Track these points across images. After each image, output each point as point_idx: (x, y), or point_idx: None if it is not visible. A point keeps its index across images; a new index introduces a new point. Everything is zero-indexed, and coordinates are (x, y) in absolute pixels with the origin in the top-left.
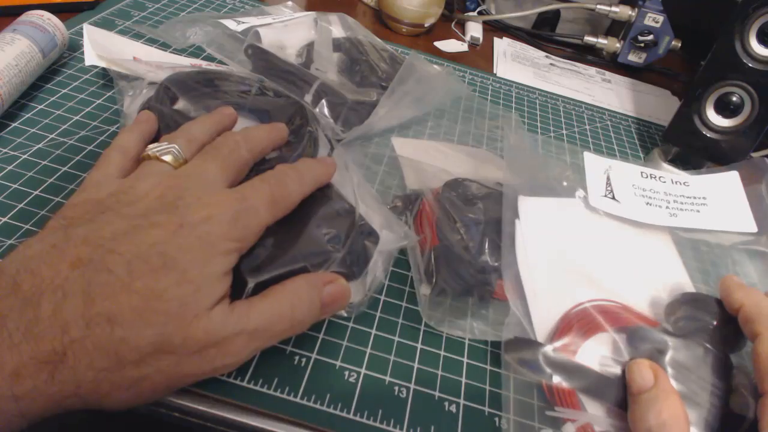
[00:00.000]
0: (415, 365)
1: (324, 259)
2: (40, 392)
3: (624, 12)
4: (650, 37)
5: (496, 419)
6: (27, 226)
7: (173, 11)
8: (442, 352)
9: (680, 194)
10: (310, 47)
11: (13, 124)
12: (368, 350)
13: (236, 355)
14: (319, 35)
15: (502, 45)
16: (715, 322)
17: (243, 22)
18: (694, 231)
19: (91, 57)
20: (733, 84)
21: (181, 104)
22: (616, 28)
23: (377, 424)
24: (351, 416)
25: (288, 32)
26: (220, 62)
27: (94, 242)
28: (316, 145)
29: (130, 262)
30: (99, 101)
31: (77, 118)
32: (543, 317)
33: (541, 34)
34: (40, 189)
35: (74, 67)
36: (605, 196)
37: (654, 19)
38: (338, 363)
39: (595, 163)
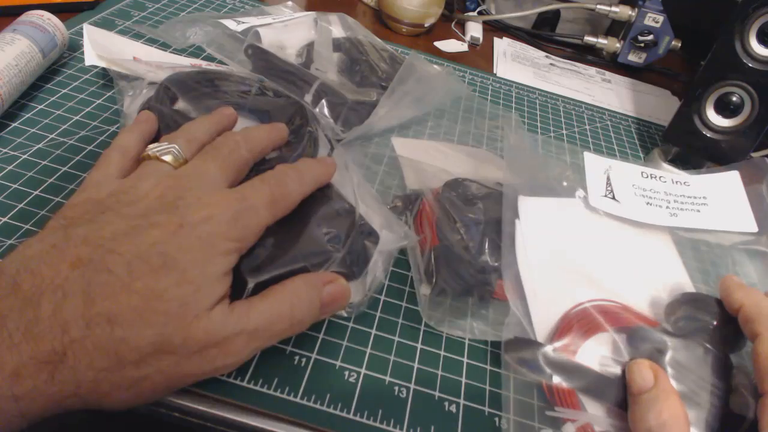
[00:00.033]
0: (415, 365)
1: (324, 259)
2: (40, 392)
3: (624, 12)
4: (650, 37)
5: (496, 419)
6: (27, 226)
7: (173, 11)
8: (442, 352)
9: (681, 194)
10: (310, 47)
11: (13, 124)
12: (368, 350)
13: (236, 355)
14: (319, 35)
15: (502, 45)
16: (715, 322)
17: (243, 22)
18: (695, 231)
19: (91, 57)
20: (733, 84)
21: (181, 104)
22: (616, 28)
23: (377, 424)
24: (351, 416)
25: (288, 32)
26: (220, 62)
27: (94, 242)
28: (316, 145)
29: (130, 262)
30: (99, 101)
31: (77, 118)
32: (543, 317)
33: (541, 34)
34: (40, 189)
35: (74, 67)
36: (605, 196)
37: (654, 19)
38: (338, 363)
39: (595, 163)
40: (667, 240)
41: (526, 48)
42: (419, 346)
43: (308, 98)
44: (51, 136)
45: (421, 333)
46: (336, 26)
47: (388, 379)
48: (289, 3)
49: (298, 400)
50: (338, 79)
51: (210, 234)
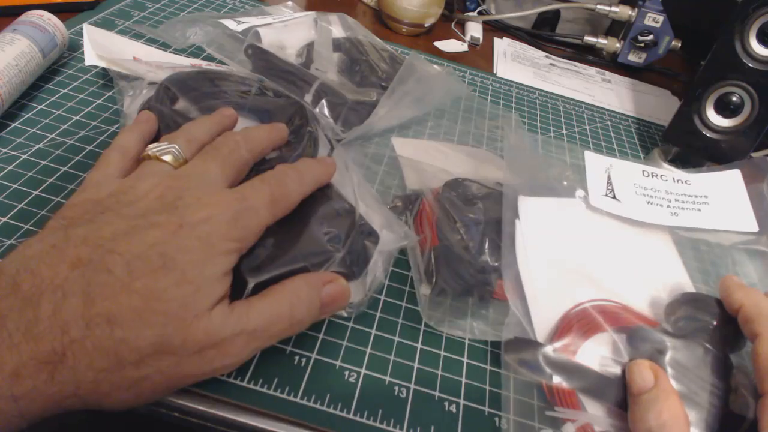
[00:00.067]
0: (415, 365)
1: (324, 258)
2: (39, 392)
3: (624, 12)
4: (650, 37)
5: (496, 419)
6: (27, 226)
7: (173, 11)
8: (442, 352)
9: (681, 193)
10: (310, 47)
11: (13, 124)
12: (368, 350)
13: (236, 355)
14: (319, 35)
15: (502, 45)
16: (715, 322)
17: (243, 22)
18: (695, 230)
19: (91, 57)
20: (733, 84)
21: (181, 104)
22: (616, 28)
23: (377, 424)
24: (351, 416)
25: (288, 32)
26: (220, 62)
27: (93, 242)
28: (316, 145)
29: (129, 263)
30: (99, 101)
31: (77, 118)
32: (543, 317)
33: (541, 34)
34: (40, 189)
35: (74, 67)
36: (606, 195)
37: (654, 19)
38: (338, 363)
39: (596, 162)
40: (667, 240)
41: (526, 48)
42: (419, 346)
43: (308, 98)
44: (51, 136)
45: (421, 333)
46: (336, 26)
47: (388, 379)
48: (289, 3)
49: (298, 400)
50: (338, 79)
51: (210, 234)
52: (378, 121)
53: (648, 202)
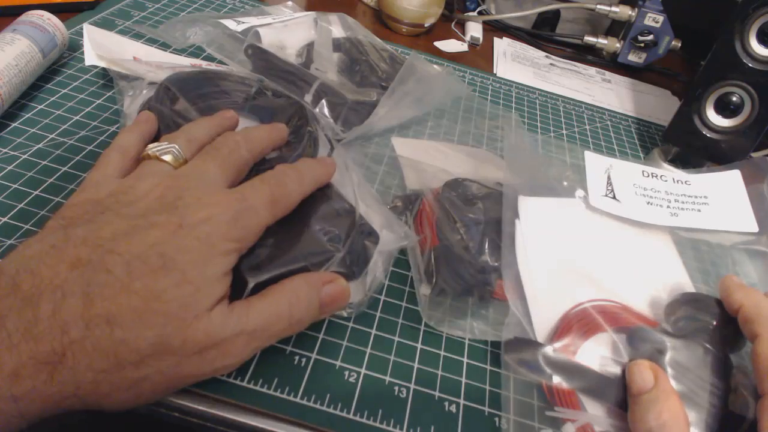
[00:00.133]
0: (415, 365)
1: (324, 258)
2: (39, 393)
3: (624, 12)
4: (650, 37)
5: (496, 419)
6: (27, 226)
7: (173, 11)
8: (442, 352)
9: (681, 193)
10: (310, 47)
11: (13, 124)
12: (368, 350)
13: (236, 355)
14: (319, 35)
15: (502, 45)
16: (715, 323)
17: (243, 22)
18: (695, 231)
19: (91, 57)
20: (733, 84)
21: (181, 104)
22: (616, 28)
23: (377, 424)
24: (351, 416)
25: (288, 32)
26: (220, 62)
27: (93, 242)
28: (316, 145)
29: (129, 263)
30: (99, 101)
31: (77, 118)
32: (543, 317)
33: (541, 34)
34: (40, 189)
35: (74, 67)
36: (606, 195)
37: (654, 19)
38: (338, 363)
39: (596, 162)
40: (667, 240)
41: (526, 48)
42: (419, 346)
43: (308, 98)
44: (51, 136)
45: (421, 333)
46: (336, 26)
47: (388, 379)
48: (289, 3)
49: (298, 400)
50: (338, 79)
51: (209, 234)
52: (378, 121)
53: (648, 203)
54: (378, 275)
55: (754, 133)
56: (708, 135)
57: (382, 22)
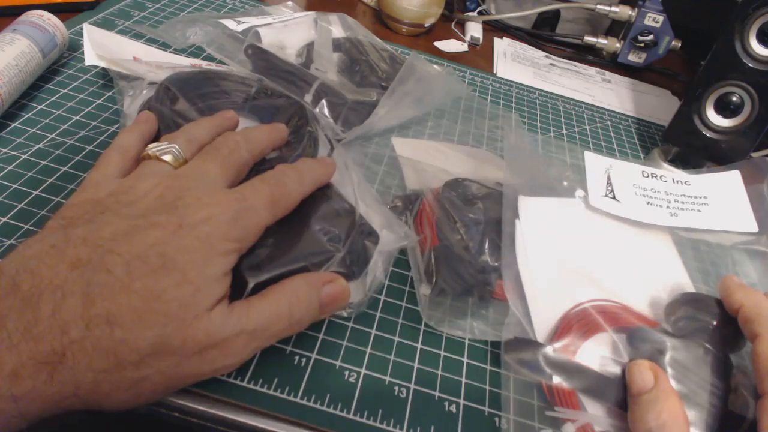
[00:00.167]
0: (415, 365)
1: (324, 258)
2: (39, 393)
3: (624, 12)
4: (650, 37)
5: (496, 419)
6: (27, 226)
7: (173, 11)
8: (442, 352)
9: (681, 193)
10: (310, 47)
11: (13, 124)
12: (368, 350)
13: (236, 355)
14: (319, 35)
15: (502, 45)
16: (715, 322)
17: (243, 22)
18: (695, 231)
19: (91, 57)
20: (733, 84)
21: (181, 104)
22: (616, 28)
23: (377, 424)
24: (351, 416)
25: (288, 32)
26: (220, 62)
27: (93, 242)
28: (316, 145)
29: (129, 263)
30: (99, 101)
31: (77, 118)
32: (543, 317)
33: (541, 34)
34: (40, 189)
35: (74, 67)
36: (606, 195)
37: (654, 19)
38: (338, 363)
39: (595, 163)
40: (667, 240)
41: (526, 48)
42: (419, 346)
43: (308, 98)
44: (51, 136)
45: (421, 333)
46: (336, 26)
47: (388, 379)
48: (289, 3)
49: (298, 400)
50: (338, 79)
51: (209, 234)
52: (378, 121)
53: (648, 203)
54: (378, 275)
55: (754, 133)
56: (708, 135)
57: (382, 22)
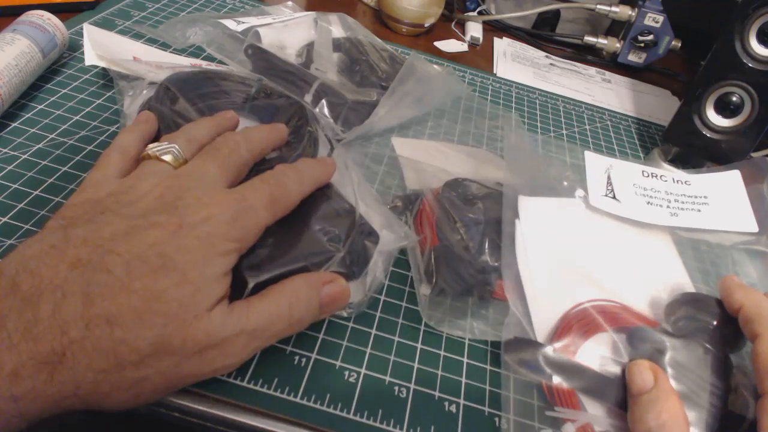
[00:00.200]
0: (415, 365)
1: (324, 258)
2: (39, 393)
3: (624, 12)
4: (650, 37)
5: (496, 419)
6: (27, 226)
7: (173, 11)
8: (442, 352)
9: (681, 193)
10: (310, 47)
11: (13, 124)
12: (368, 350)
13: (236, 355)
14: (319, 35)
15: (502, 45)
16: (715, 322)
17: (243, 22)
18: (695, 231)
19: (91, 57)
20: (733, 84)
21: (181, 104)
22: (616, 28)
23: (377, 424)
24: (351, 416)
25: (288, 32)
26: (220, 62)
27: (93, 242)
28: (316, 145)
29: (129, 263)
30: (99, 101)
31: (77, 118)
32: (543, 317)
33: (541, 34)
34: (40, 189)
35: (74, 67)
36: (606, 195)
37: (654, 19)
38: (338, 363)
39: (596, 162)
40: (667, 240)
41: (526, 48)
42: (419, 346)
43: (308, 98)
44: (51, 136)
45: (421, 333)
46: (336, 26)
47: (388, 379)
48: (289, 3)
49: (298, 400)
50: (338, 79)
51: (209, 234)
52: (378, 121)
53: (648, 203)
54: (378, 275)
55: (754, 133)
56: (708, 135)
57: (382, 22)
